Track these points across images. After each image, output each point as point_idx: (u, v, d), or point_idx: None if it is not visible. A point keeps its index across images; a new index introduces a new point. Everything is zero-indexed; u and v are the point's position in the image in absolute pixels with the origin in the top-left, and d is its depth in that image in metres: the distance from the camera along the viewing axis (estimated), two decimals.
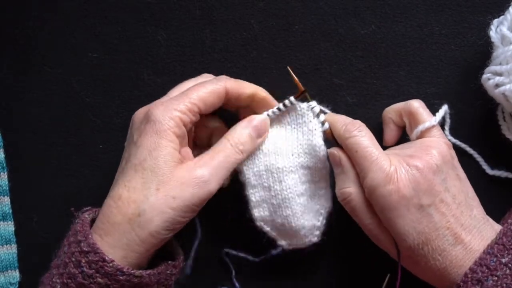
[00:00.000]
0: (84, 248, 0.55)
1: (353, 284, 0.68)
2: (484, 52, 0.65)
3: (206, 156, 0.58)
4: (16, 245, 0.69)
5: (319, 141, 0.61)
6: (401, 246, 0.57)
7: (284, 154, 0.62)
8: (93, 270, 0.54)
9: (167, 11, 0.69)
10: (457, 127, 0.67)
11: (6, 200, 0.69)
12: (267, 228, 0.63)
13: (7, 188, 0.69)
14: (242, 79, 0.68)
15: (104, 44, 0.69)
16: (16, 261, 0.68)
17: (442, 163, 0.58)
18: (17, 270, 0.68)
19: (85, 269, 0.54)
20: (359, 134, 0.58)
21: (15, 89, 0.70)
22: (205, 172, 0.57)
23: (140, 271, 0.56)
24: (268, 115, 0.62)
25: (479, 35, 0.67)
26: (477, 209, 0.59)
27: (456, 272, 0.56)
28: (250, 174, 0.62)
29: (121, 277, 0.54)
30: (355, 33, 0.68)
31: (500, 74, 0.61)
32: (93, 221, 0.59)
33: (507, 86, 0.60)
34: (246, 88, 0.62)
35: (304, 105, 0.62)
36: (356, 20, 0.68)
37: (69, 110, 0.70)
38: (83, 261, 0.54)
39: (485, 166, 0.67)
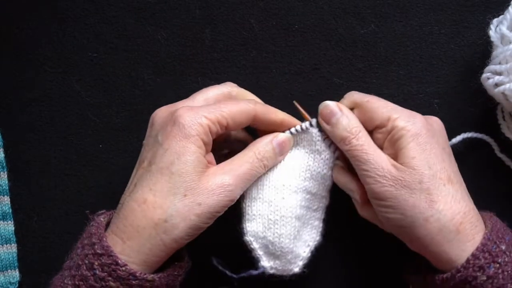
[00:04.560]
0: (98, 251, 0.54)
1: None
2: (483, 52, 0.65)
3: (232, 164, 0.57)
4: (16, 245, 0.68)
5: (329, 172, 0.61)
6: (421, 175, 0.55)
7: (291, 174, 0.60)
8: (106, 273, 0.53)
9: (167, 11, 0.69)
10: (457, 127, 0.67)
11: (6, 199, 0.68)
12: (255, 245, 0.61)
13: (7, 188, 0.69)
14: (242, 79, 0.68)
15: (104, 44, 0.69)
16: (16, 260, 0.68)
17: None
18: (17, 270, 0.68)
19: (97, 271, 0.53)
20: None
21: (15, 89, 0.70)
22: (231, 181, 0.56)
23: (152, 275, 0.55)
24: (291, 133, 0.60)
25: (479, 34, 0.67)
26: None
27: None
28: (252, 185, 0.60)
29: (133, 282, 0.53)
30: (355, 33, 0.68)
31: (499, 73, 0.61)
32: (107, 224, 0.58)
33: (507, 85, 0.60)
34: (276, 113, 0.60)
35: (319, 134, 0.60)
36: (356, 20, 0.68)
37: (69, 110, 0.69)
38: (96, 263, 0.53)
39: None
